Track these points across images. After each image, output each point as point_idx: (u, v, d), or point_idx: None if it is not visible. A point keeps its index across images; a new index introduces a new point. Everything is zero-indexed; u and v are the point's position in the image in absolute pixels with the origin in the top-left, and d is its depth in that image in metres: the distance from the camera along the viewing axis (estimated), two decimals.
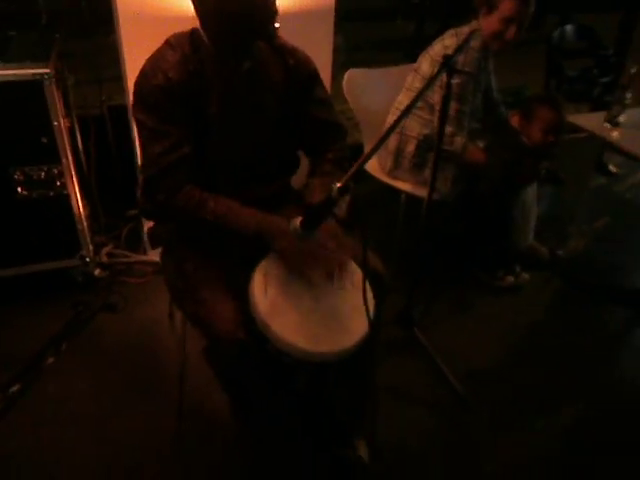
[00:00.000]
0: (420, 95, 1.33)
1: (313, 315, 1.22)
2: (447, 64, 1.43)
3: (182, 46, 1.27)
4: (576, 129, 2.33)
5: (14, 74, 1.70)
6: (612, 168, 3.45)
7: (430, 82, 1.38)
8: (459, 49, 1.46)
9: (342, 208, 1.34)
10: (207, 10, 1.24)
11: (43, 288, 2.10)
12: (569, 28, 3.29)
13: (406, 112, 1.27)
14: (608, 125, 2.06)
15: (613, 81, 3.36)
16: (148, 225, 2.24)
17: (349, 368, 1.38)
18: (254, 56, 1.32)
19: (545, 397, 1.87)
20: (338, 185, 1.04)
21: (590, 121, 2.13)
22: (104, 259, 2.28)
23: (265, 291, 1.21)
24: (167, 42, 1.29)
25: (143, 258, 2.34)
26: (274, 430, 1.40)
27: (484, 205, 2.25)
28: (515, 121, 2.19)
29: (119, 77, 2.17)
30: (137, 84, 1.27)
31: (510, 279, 2.33)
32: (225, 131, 1.33)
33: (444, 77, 1.47)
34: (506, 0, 1.86)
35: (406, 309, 1.97)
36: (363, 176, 2.30)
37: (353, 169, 1.06)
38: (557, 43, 3.27)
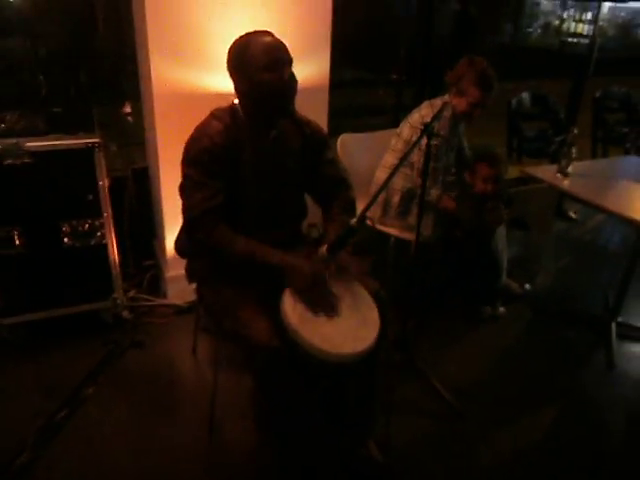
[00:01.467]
0: (405, 157, 1.72)
1: (333, 326, 1.53)
2: (427, 130, 1.82)
3: (224, 117, 1.62)
4: (536, 180, 2.75)
5: (72, 144, 2.05)
6: (572, 214, 3.90)
7: (414, 145, 1.77)
8: (435, 118, 1.85)
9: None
10: (244, 93, 1.60)
11: (78, 328, 2.35)
12: (525, 96, 3.81)
13: (395, 171, 1.64)
14: (559, 175, 2.48)
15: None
16: (169, 273, 2.56)
17: (362, 375, 1.68)
18: (278, 127, 1.68)
19: (522, 405, 2.16)
20: (354, 220, 1.38)
21: (545, 173, 2.54)
22: (129, 302, 2.55)
23: (294, 307, 1.51)
24: (212, 114, 1.64)
25: (164, 302, 2.62)
26: (298, 430, 1.66)
27: (462, 250, 2.62)
28: (468, 177, 2.59)
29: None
30: (187, 146, 1.60)
31: (488, 310, 2.67)
32: (254, 185, 1.66)
33: (424, 140, 1.86)
34: (473, 89, 2.27)
35: (402, 337, 2.27)
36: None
37: (364, 208, 1.42)
38: (515, 108, 3.78)
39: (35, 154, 2.01)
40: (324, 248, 1.47)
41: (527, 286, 2.91)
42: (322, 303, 1.53)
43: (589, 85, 4.42)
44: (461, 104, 2.33)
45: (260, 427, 1.81)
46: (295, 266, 1.54)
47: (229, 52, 1.59)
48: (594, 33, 4.29)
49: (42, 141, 2.02)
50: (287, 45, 1.60)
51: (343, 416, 1.77)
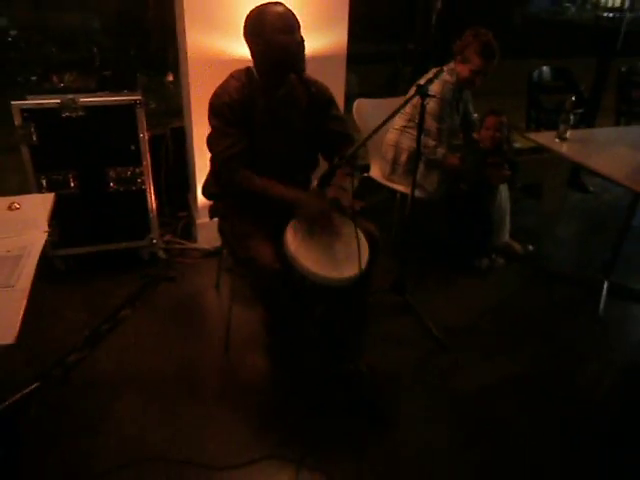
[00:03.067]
0: (396, 113, 1.96)
1: (327, 254, 1.81)
2: (420, 91, 2.05)
3: (241, 78, 1.91)
4: (546, 148, 2.91)
5: (117, 100, 2.40)
6: (589, 187, 4.01)
7: (406, 102, 2.01)
8: (429, 81, 2.08)
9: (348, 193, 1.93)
10: (258, 56, 1.88)
11: (119, 263, 2.74)
12: (545, 69, 3.92)
13: (384, 122, 1.90)
14: (558, 140, 2.65)
15: (586, 112, 3.97)
16: (199, 220, 2.89)
17: (350, 301, 1.96)
18: (287, 85, 1.95)
19: (507, 345, 2.40)
20: (337, 158, 1.66)
21: (545, 138, 2.72)
22: (164, 245, 2.91)
23: (294, 237, 1.80)
24: (231, 75, 1.93)
25: (194, 245, 2.97)
26: (297, 345, 1.97)
27: (466, 205, 2.84)
28: (476, 134, 2.80)
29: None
30: (211, 101, 1.90)
31: (486, 262, 2.89)
32: (266, 136, 1.93)
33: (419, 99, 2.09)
34: (475, 57, 2.50)
35: (399, 279, 2.52)
36: (372, 186, 2.94)
37: (351, 150, 1.69)
38: (536, 81, 3.90)
39: (87, 108, 2.37)
40: (315, 183, 1.75)
41: (530, 247, 3.09)
42: (323, 232, 1.83)
43: (622, 63, 4.44)
44: (464, 71, 2.55)
45: (267, 348, 2.14)
46: (305, 199, 1.85)
47: (246, 19, 1.87)
48: (623, 7, 4.29)
49: (93, 97, 2.38)
50: (308, 15, 1.88)
51: (334, 335, 2.06)
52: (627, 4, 4.28)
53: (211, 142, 1.96)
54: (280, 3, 1.86)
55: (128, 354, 2.22)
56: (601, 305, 2.63)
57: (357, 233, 1.80)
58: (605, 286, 2.70)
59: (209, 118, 1.92)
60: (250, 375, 2.16)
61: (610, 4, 7.44)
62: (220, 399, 2.04)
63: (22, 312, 1.23)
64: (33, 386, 1.94)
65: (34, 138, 2.35)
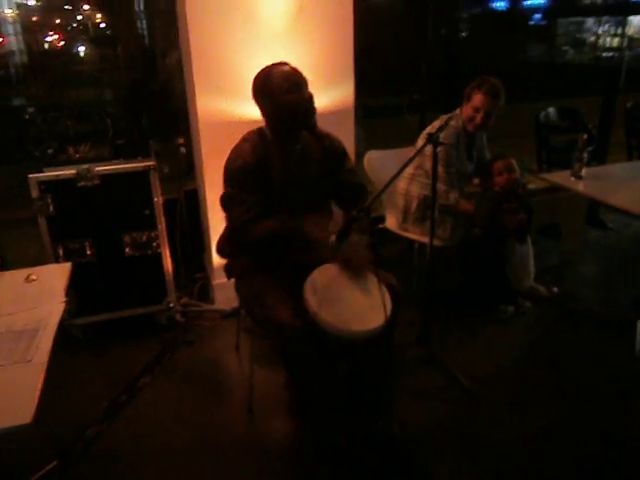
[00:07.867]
0: (410, 161, 1.95)
1: (349, 307, 1.76)
2: (431, 139, 2.06)
3: (253, 139, 1.93)
4: (563, 188, 2.87)
5: (132, 167, 2.44)
6: (608, 224, 3.95)
7: (417, 152, 2.01)
8: (440, 129, 2.09)
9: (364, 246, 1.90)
10: (270, 114, 1.91)
11: (137, 329, 2.69)
12: (552, 110, 3.95)
13: (400, 172, 1.89)
14: (573, 179, 2.62)
15: (597, 149, 3.95)
16: (216, 281, 2.87)
17: (375, 354, 1.89)
18: (301, 141, 1.96)
19: (539, 392, 2.28)
20: (355, 211, 1.64)
21: (560, 177, 2.69)
22: (181, 308, 2.88)
23: (314, 292, 1.76)
24: (243, 138, 1.95)
25: (212, 307, 2.93)
26: (321, 399, 1.89)
27: (480, 251, 2.78)
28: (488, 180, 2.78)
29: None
30: (225, 168, 1.91)
31: (511, 309, 2.79)
32: (283, 193, 1.94)
33: (429, 148, 2.09)
34: (476, 94, 2.55)
35: (424, 331, 2.45)
36: (389, 238, 2.91)
37: (367, 203, 1.67)
38: (543, 121, 3.92)
39: (103, 177, 2.41)
40: (333, 237, 1.72)
41: (555, 289, 3.00)
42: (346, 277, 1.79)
43: (625, 99, 4.48)
44: (467, 110, 2.60)
45: (291, 410, 2.05)
46: (319, 237, 1.82)
47: (254, 81, 1.91)
48: (622, 46, 4.36)
49: (108, 166, 2.42)
50: (315, 72, 1.93)
51: (361, 393, 1.97)
52: (625, 43, 4.33)
53: (227, 208, 1.96)
54: (285, 63, 1.90)
55: (148, 424, 2.14)
56: (637, 345, 2.52)
57: (379, 281, 1.76)
58: (639, 325, 2.59)
59: (224, 184, 1.93)
60: (276, 439, 2.07)
61: (608, 45, 7.62)
62: (246, 468, 1.94)
63: (39, 388, 1.18)
64: (51, 465, 1.86)
65: (51, 209, 2.38)
